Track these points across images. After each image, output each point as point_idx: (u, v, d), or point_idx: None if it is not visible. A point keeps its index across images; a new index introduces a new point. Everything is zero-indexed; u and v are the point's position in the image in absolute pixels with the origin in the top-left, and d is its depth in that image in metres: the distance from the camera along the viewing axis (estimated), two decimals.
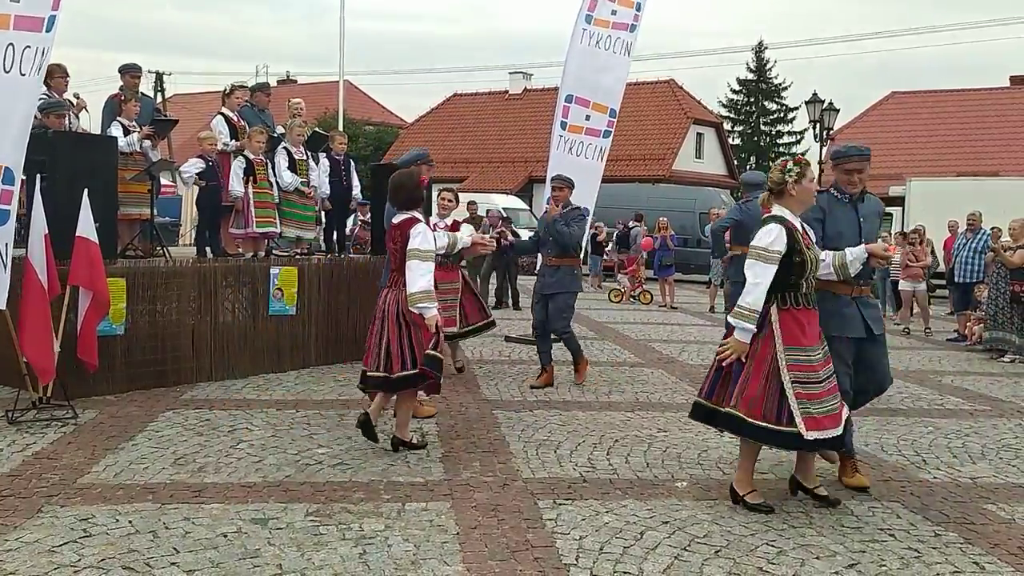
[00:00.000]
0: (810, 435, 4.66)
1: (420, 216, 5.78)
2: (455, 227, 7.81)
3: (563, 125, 9.72)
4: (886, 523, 4.76)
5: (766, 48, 44.80)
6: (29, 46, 6.07)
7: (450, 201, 8.05)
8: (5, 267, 6.17)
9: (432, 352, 5.60)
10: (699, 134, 39.11)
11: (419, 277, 5.51)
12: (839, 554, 4.30)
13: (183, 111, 29.49)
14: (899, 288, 14.35)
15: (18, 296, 6.49)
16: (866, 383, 5.23)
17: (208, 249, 9.21)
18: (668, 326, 13.69)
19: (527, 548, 4.25)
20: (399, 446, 5.84)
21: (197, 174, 8.98)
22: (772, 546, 4.37)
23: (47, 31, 6.17)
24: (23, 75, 6.06)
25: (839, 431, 4.80)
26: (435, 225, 7.47)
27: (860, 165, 5.21)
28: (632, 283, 18.49)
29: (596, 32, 9.62)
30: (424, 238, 5.61)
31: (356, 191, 10.68)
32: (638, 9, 9.85)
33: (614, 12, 9.70)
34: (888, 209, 24.27)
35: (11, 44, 6.01)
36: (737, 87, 45.44)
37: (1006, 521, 4.86)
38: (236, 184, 9.03)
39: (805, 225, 4.95)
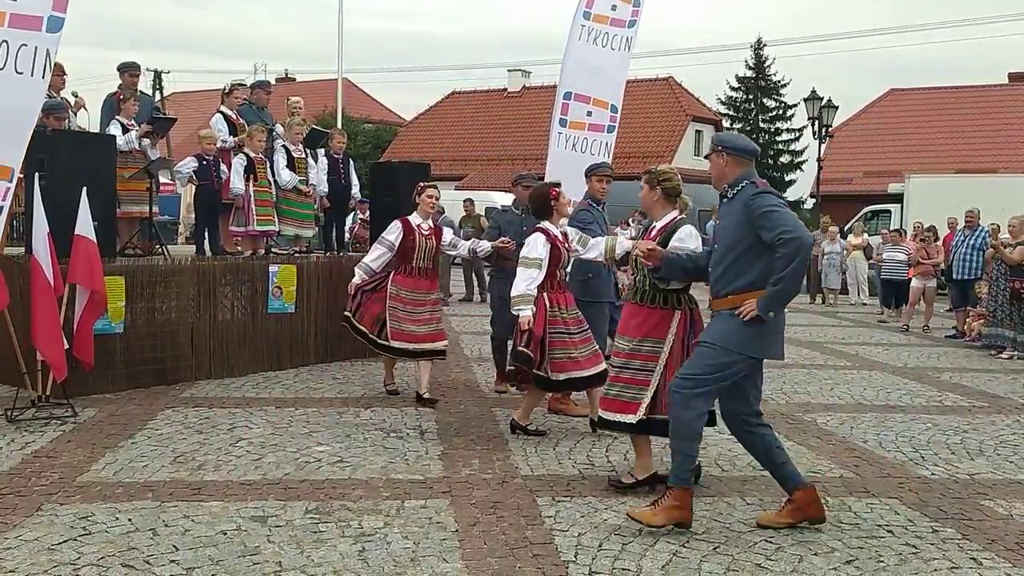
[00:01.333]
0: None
1: (545, 226, 6.21)
2: (439, 230, 7.51)
3: (562, 122, 9.66)
4: (884, 519, 4.77)
5: (765, 45, 44.73)
6: (25, 44, 6.06)
7: (438, 199, 7.59)
8: None
9: (521, 349, 5.92)
10: (698, 131, 39.12)
11: (520, 282, 5.95)
12: (837, 550, 4.31)
13: (181, 109, 29.50)
14: (911, 285, 14.38)
15: (21, 295, 6.50)
16: None
17: (207, 247, 9.22)
18: None
19: (526, 545, 4.26)
20: (515, 429, 6.35)
21: (192, 173, 8.99)
22: (770, 542, 4.38)
23: (48, 31, 6.16)
24: (20, 73, 6.06)
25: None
26: (418, 226, 7.31)
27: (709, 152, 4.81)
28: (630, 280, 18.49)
29: (595, 28, 9.59)
30: (532, 247, 6.05)
31: (355, 189, 10.68)
32: (636, 5, 9.79)
33: (613, 7, 9.64)
34: (887, 206, 24.45)
35: (5, 41, 6.01)
36: (736, 84, 45.38)
37: (1003, 517, 4.87)
38: (237, 182, 9.03)
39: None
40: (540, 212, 6.32)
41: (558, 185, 6.42)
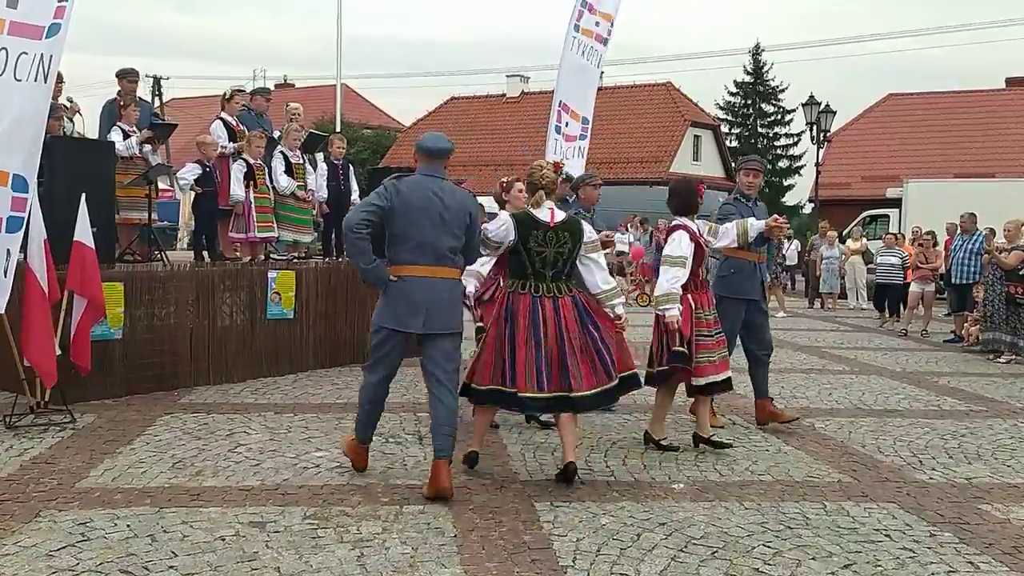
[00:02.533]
0: None
1: (685, 222, 5.95)
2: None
3: (557, 129, 9.86)
4: (882, 524, 4.78)
5: (763, 51, 44.86)
6: (25, 52, 6.10)
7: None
8: (7, 272, 6.18)
9: (677, 348, 5.81)
10: (696, 136, 39.11)
11: (664, 281, 5.83)
12: (835, 555, 4.32)
13: (181, 115, 29.47)
14: (909, 289, 14.40)
15: (18, 301, 6.50)
16: None
17: (205, 253, 9.23)
18: None
19: (524, 550, 4.26)
20: (649, 443, 6.24)
21: (194, 180, 9.00)
22: (768, 547, 4.39)
23: (47, 38, 6.19)
24: (18, 80, 6.09)
25: None
26: None
27: None
28: (630, 285, 18.55)
29: (582, 40, 9.84)
30: (677, 245, 5.87)
31: (355, 195, 10.69)
32: (611, 24, 10.09)
33: (597, 24, 9.93)
34: (886, 211, 24.48)
35: (4, 49, 6.04)
36: (734, 89, 45.47)
37: (1001, 521, 4.88)
38: (237, 188, 9.05)
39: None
40: (684, 207, 6.05)
41: (703, 182, 6.26)
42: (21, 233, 6.21)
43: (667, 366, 5.94)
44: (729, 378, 6.18)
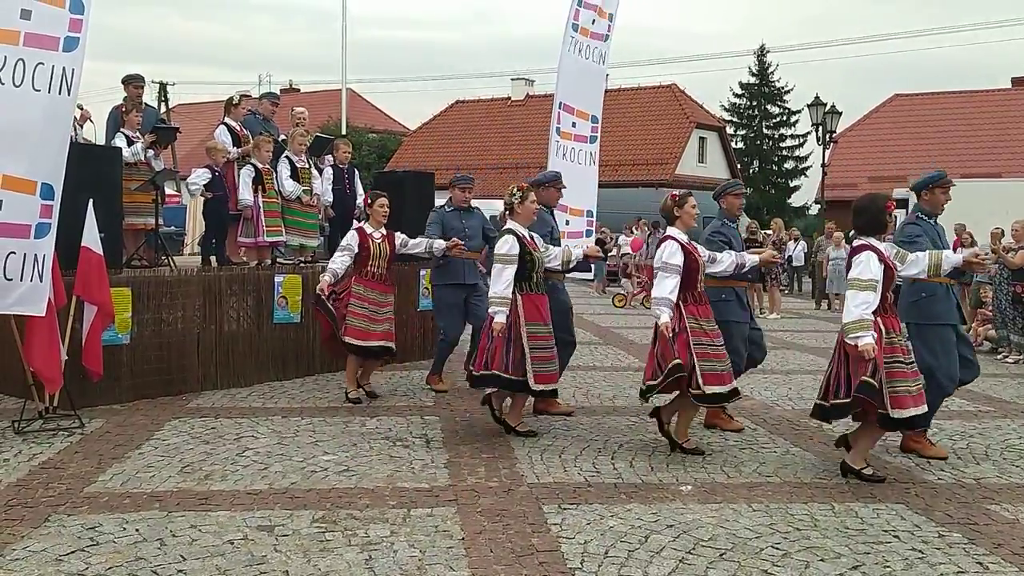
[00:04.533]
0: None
1: (875, 243, 5.58)
2: (391, 236, 7.79)
3: (558, 131, 9.81)
4: (890, 524, 4.77)
5: (768, 52, 44.84)
6: (42, 63, 6.17)
7: (388, 210, 7.84)
8: (43, 277, 6.23)
9: (866, 379, 5.28)
10: (702, 138, 39.11)
11: (854, 307, 5.39)
12: (843, 556, 4.31)
13: (187, 121, 29.58)
14: None
15: None
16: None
17: (213, 258, 9.23)
18: None
19: (532, 552, 4.27)
20: (847, 473, 5.64)
21: (204, 184, 9.02)
22: (777, 548, 4.38)
23: (65, 51, 6.25)
24: (37, 90, 6.15)
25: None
26: (370, 235, 7.62)
27: None
28: (635, 287, 18.53)
29: (580, 40, 9.81)
30: (866, 267, 5.45)
31: (359, 199, 10.71)
32: (611, 20, 10.05)
33: (593, 21, 9.88)
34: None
35: (21, 60, 6.10)
36: (739, 91, 45.45)
37: (1010, 521, 4.86)
38: (245, 193, 9.07)
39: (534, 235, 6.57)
40: (872, 227, 5.68)
41: (891, 199, 5.81)
42: (49, 239, 6.27)
43: (849, 398, 5.39)
44: (927, 412, 5.63)
